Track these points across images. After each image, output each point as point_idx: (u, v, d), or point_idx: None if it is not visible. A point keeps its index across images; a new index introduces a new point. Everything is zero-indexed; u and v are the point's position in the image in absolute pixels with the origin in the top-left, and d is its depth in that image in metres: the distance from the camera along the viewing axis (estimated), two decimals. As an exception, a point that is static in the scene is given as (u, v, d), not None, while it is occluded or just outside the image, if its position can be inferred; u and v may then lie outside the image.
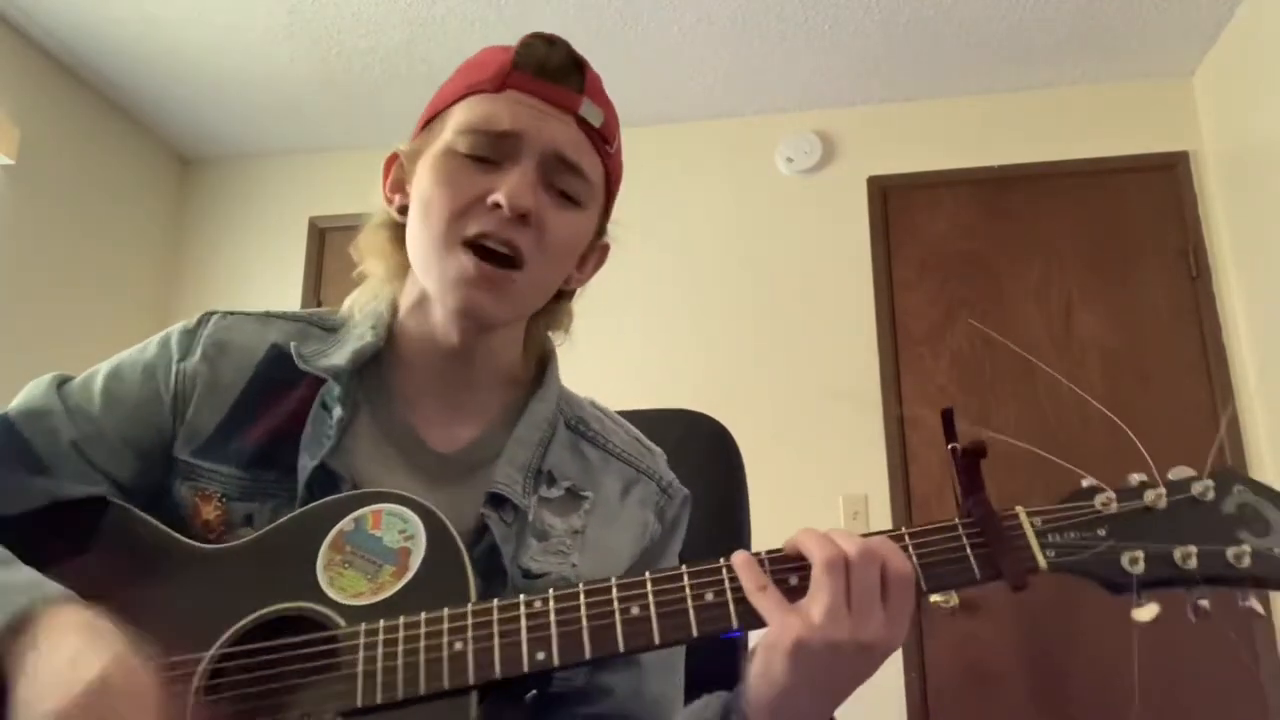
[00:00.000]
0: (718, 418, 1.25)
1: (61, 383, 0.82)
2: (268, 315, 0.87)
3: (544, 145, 0.79)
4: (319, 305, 3.23)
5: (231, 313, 0.86)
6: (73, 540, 0.74)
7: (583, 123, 0.81)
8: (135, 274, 3.31)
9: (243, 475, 0.78)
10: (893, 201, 3.09)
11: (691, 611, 0.68)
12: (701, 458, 1.01)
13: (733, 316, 3.06)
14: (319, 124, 3.30)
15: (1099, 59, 2.92)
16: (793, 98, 3.14)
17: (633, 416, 1.00)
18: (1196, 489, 0.69)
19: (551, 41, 0.81)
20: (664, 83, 3.04)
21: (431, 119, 0.84)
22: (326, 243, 3.40)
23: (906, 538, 0.70)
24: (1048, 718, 2.61)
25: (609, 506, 0.87)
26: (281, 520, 0.74)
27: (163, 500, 0.78)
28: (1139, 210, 2.93)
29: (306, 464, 0.77)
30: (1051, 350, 2.86)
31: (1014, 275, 2.95)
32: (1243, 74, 2.70)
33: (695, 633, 0.67)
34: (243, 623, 0.69)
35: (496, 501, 0.79)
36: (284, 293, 3.33)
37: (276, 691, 0.67)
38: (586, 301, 0.95)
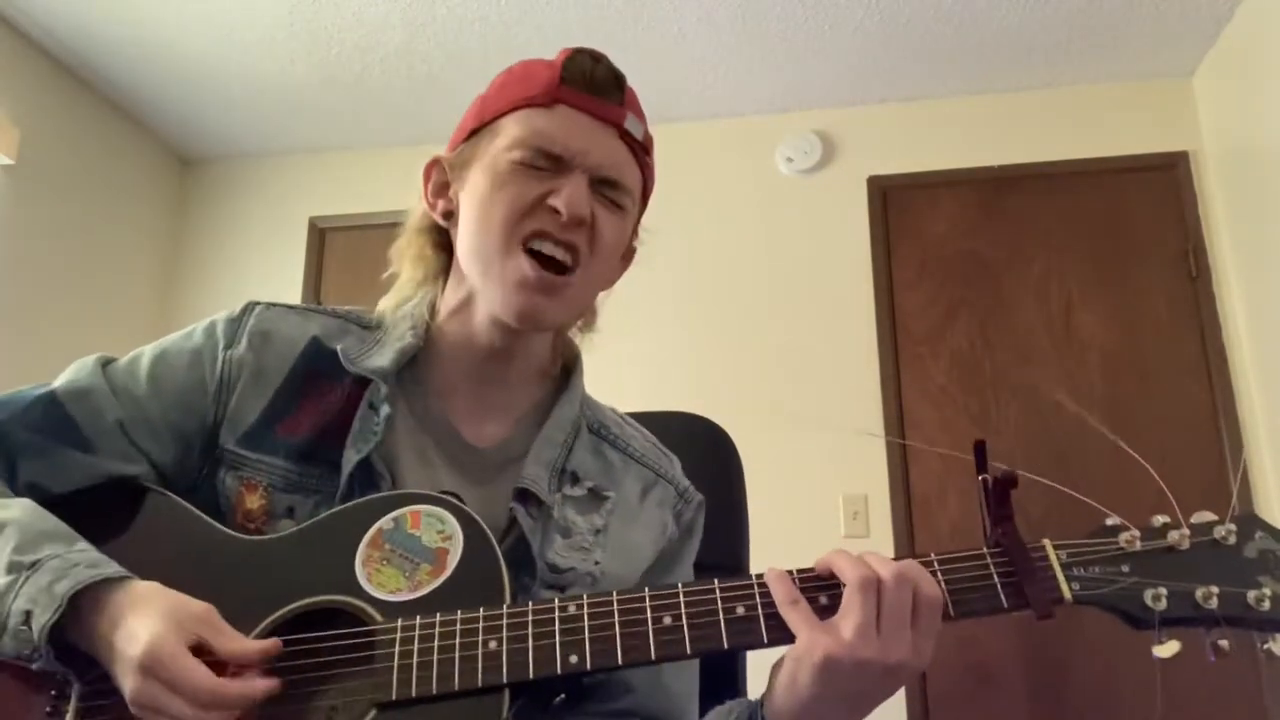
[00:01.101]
0: (718, 417, 1.25)
1: (106, 363, 0.85)
2: (307, 309, 0.91)
3: (594, 164, 0.83)
4: (318, 305, 3.24)
5: (274, 304, 0.90)
6: (115, 524, 0.77)
7: (626, 134, 0.85)
8: (135, 274, 3.32)
9: (290, 468, 0.81)
10: (892, 201, 3.09)
11: (723, 624, 0.69)
12: (699, 460, 1.01)
13: (733, 316, 3.06)
14: (319, 124, 3.30)
15: (1099, 59, 2.92)
16: (793, 98, 3.14)
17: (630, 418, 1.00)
18: (1219, 533, 0.71)
19: (595, 57, 0.86)
20: (664, 83, 3.04)
21: (478, 129, 0.87)
22: (326, 243, 3.39)
23: (935, 563, 0.71)
24: (1047, 718, 2.61)
25: (629, 506, 0.90)
26: (321, 516, 0.77)
27: (203, 489, 0.81)
28: (1139, 210, 2.93)
29: (351, 458, 0.80)
30: (1051, 350, 2.86)
31: (1014, 275, 2.95)
32: (1243, 74, 2.70)
33: (725, 645, 0.69)
34: (281, 613, 0.71)
35: (523, 496, 0.83)
36: (284, 293, 3.31)
37: (312, 681, 0.69)
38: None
